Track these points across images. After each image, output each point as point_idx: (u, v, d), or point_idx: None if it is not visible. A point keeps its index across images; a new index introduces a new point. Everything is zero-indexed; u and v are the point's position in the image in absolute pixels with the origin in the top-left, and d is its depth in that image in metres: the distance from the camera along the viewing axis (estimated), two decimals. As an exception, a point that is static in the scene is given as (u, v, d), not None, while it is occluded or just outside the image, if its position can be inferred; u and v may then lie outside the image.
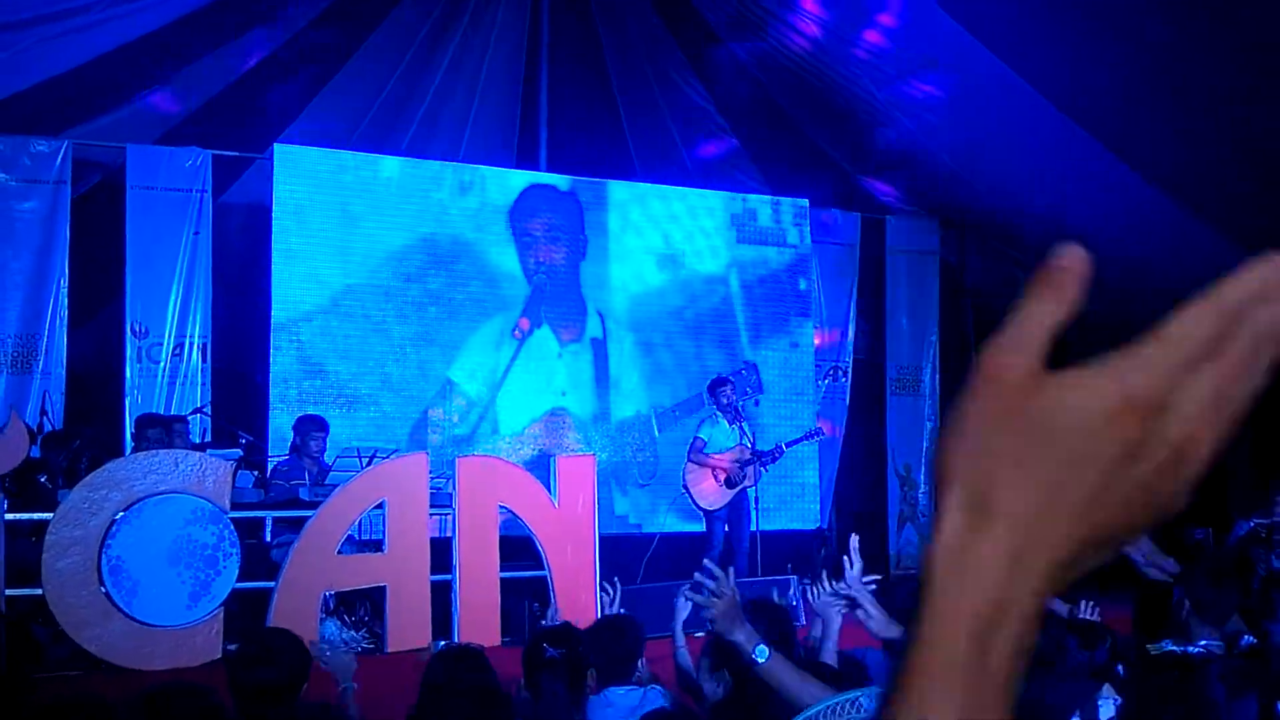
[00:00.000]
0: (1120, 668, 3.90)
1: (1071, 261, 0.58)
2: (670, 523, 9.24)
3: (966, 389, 0.57)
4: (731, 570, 3.03)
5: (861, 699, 2.16)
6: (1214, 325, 0.56)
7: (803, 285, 10.70)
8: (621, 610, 4.59)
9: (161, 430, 7.05)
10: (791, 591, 5.57)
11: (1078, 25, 7.64)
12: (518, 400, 9.53)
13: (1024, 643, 0.55)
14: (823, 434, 9.49)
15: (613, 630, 3.95)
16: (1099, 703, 3.38)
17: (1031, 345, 0.57)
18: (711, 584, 2.95)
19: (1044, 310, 0.57)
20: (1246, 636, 3.99)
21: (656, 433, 9.96)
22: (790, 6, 8.97)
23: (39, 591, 5.64)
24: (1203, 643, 3.88)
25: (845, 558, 3.32)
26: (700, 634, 6.85)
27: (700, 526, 8.69)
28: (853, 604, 3.44)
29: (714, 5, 9.72)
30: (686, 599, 3.01)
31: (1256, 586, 5.25)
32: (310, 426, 7.52)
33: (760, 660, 2.84)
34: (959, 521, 0.55)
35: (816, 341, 10.79)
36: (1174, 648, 3.96)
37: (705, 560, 3.15)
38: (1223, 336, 0.56)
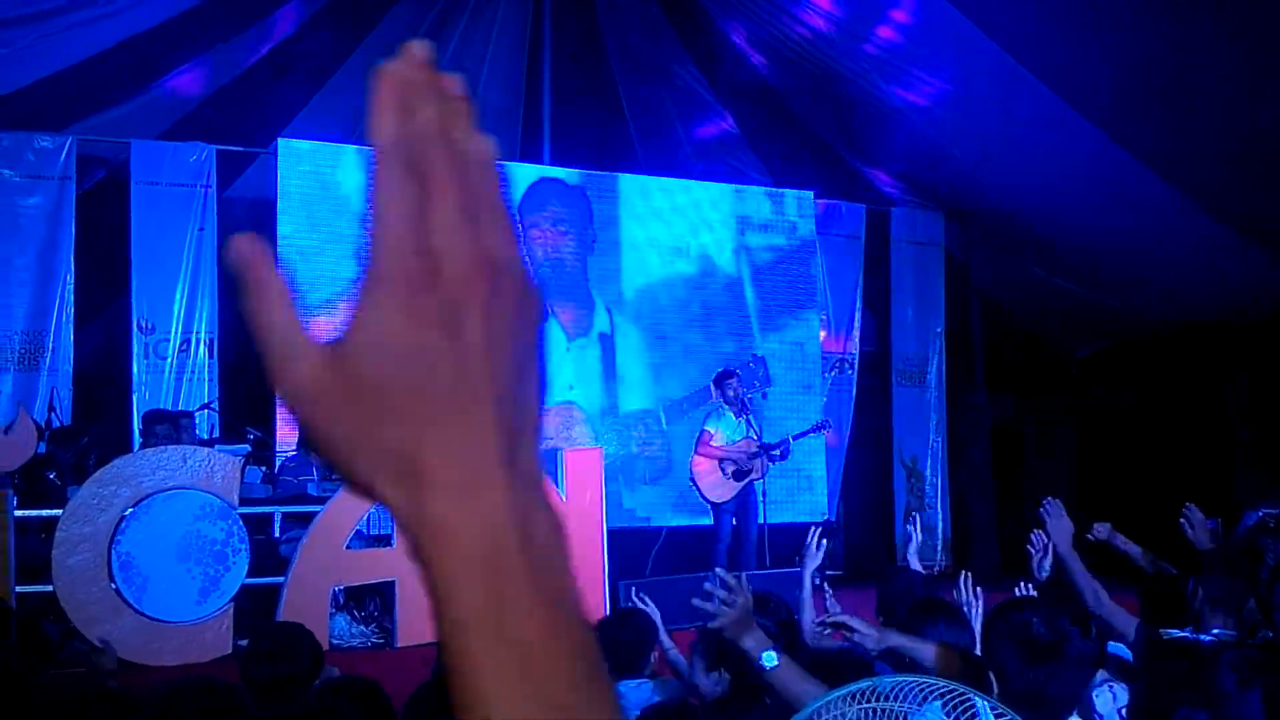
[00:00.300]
0: (1130, 655, 3.91)
1: (247, 253, 0.57)
2: (678, 516, 9.25)
3: (296, 416, 0.54)
4: (744, 576, 3.02)
5: (865, 691, 2.16)
6: (398, 166, 0.53)
7: (808, 277, 10.70)
8: (646, 603, 4.61)
9: (169, 426, 7.06)
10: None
11: (1085, 19, 7.62)
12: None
13: (529, 532, 0.53)
14: (830, 426, 9.49)
15: (625, 624, 3.96)
16: (1093, 694, 3.38)
17: (291, 342, 0.55)
18: (723, 593, 2.91)
19: (268, 306, 0.56)
20: (1263, 630, 3.99)
21: (664, 425, 9.97)
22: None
23: (49, 588, 5.66)
24: (1215, 631, 3.88)
25: (808, 546, 3.29)
26: (694, 627, 6.88)
27: (708, 519, 8.69)
28: (843, 628, 3.43)
29: (717, -3, 9.71)
30: (696, 606, 2.98)
31: (1265, 576, 5.24)
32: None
33: (769, 666, 2.83)
34: (399, 499, 0.52)
35: (822, 334, 10.78)
36: (1186, 635, 3.96)
37: (717, 569, 3.15)
38: (413, 175, 0.53)
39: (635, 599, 4.72)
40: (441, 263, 0.52)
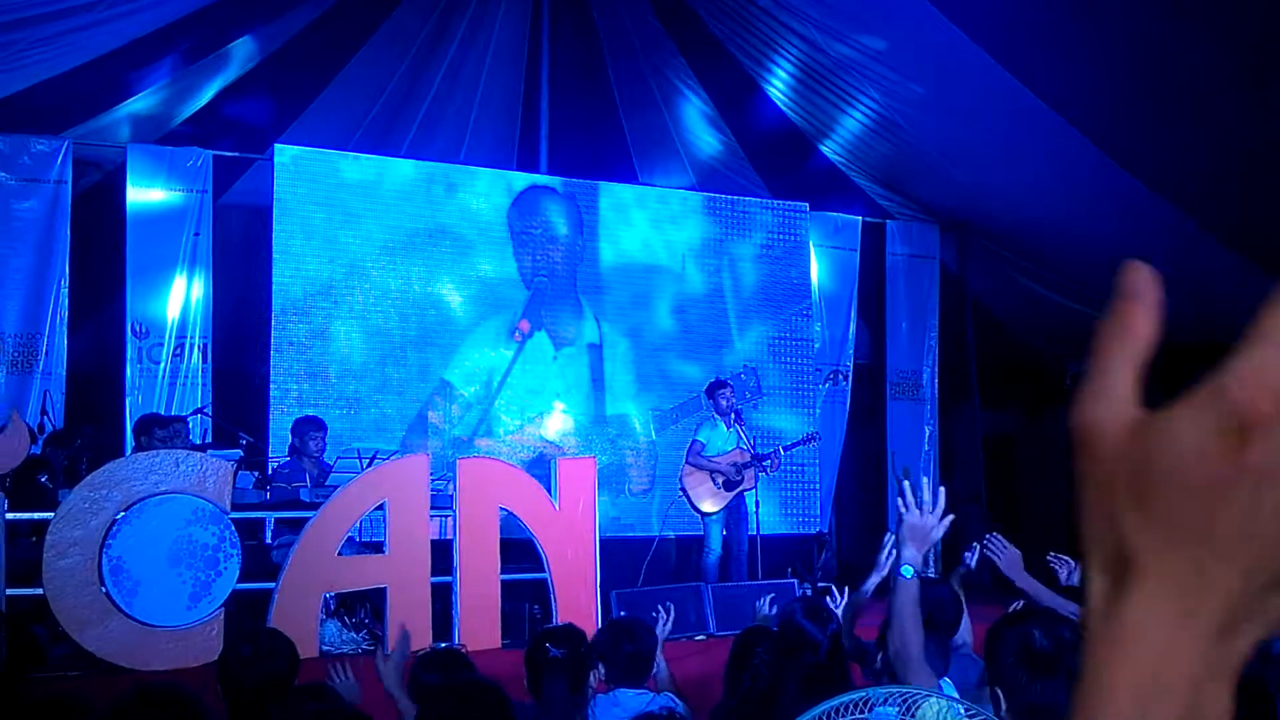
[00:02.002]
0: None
1: (1140, 284, 0.53)
2: (667, 526, 9.24)
3: (1074, 454, 0.52)
4: (942, 490, 3.11)
5: (868, 697, 2.16)
6: None
7: (803, 289, 10.71)
8: (661, 612, 4.64)
9: (164, 431, 7.05)
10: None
11: (1079, 30, 7.65)
12: (515, 402, 9.54)
13: (1199, 709, 0.49)
14: (819, 438, 9.48)
15: (628, 633, 3.95)
16: None
17: (1116, 390, 0.52)
18: (926, 498, 3.07)
19: (1121, 349, 0.52)
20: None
21: (654, 435, 9.96)
22: (789, 9, 8.97)
23: (39, 591, 5.63)
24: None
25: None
26: (701, 637, 6.88)
27: (698, 530, 8.69)
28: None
29: (713, 7, 9.73)
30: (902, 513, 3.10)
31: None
32: (308, 427, 7.52)
33: (904, 577, 3.04)
34: (1101, 587, 0.51)
35: (816, 345, 10.79)
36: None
37: (922, 475, 3.27)
38: None
39: (661, 608, 4.77)
40: None
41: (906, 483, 3.19)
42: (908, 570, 3.05)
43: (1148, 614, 0.49)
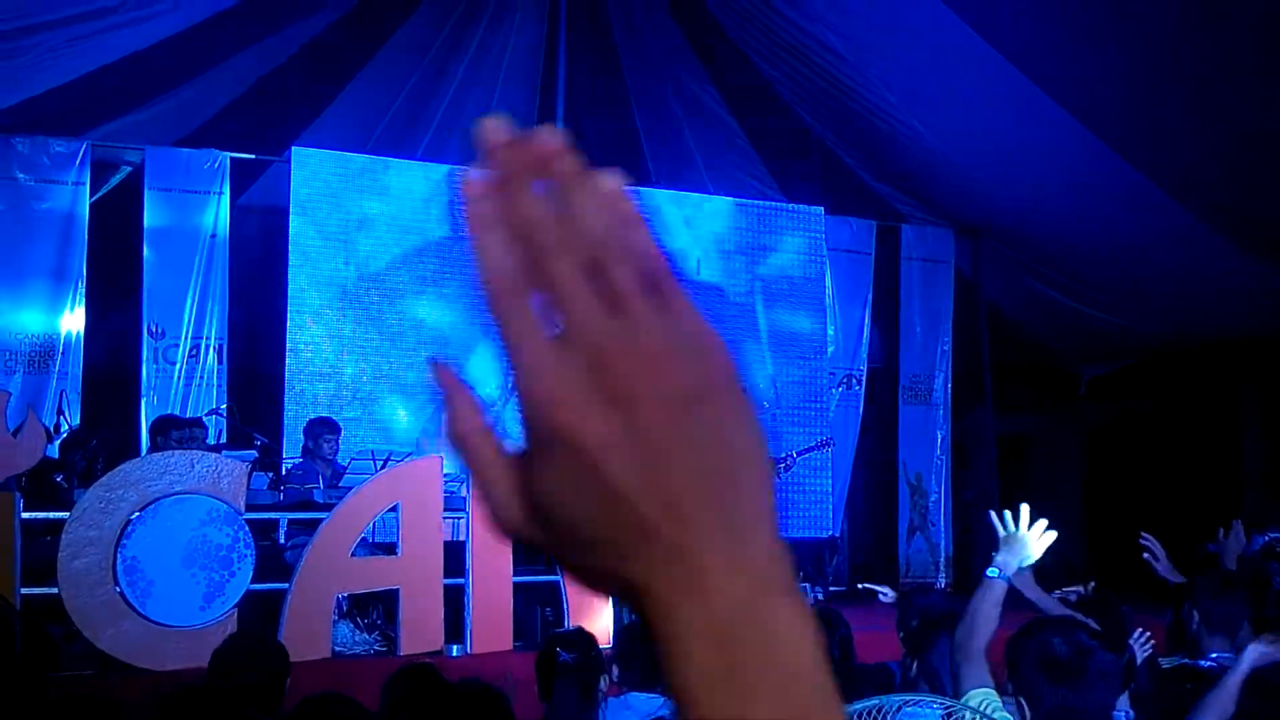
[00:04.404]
0: (1142, 681, 3.91)
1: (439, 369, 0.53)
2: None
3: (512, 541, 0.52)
4: (1023, 520, 3.34)
5: (883, 705, 2.17)
6: (517, 294, 0.48)
7: (817, 293, 10.70)
8: None
9: (180, 432, 7.08)
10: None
11: (1096, 33, 7.63)
12: (530, 405, 9.54)
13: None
14: (832, 443, 9.45)
15: (644, 638, 3.94)
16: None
17: (507, 500, 0.50)
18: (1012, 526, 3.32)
19: (487, 463, 0.51)
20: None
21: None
22: (805, 13, 8.97)
23: (54, 591, 5.67)
24: (1213, 655, 3.88)
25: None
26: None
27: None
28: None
29: (729, 11, 9.73)
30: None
31: (1271, 601, 5.22)
32: (321, 429, 7.54)
33: (989, 577, 3.22)
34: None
35: (830, 349, 10.78)
36: (1185, 661, 3.96)
37: (1021, 504, 3.41)
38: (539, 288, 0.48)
39: None
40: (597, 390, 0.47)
41: (993, 513, 3.43)
42: (994, 571, 3.23)
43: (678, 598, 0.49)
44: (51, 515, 6.03)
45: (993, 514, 3.41)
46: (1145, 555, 5.06)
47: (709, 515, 0.48)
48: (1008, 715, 2.64)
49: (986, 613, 3.13)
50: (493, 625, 6.44)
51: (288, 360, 8.73)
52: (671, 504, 0.47)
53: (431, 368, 0.54)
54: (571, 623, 5.99)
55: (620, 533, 0.48)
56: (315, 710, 3.33)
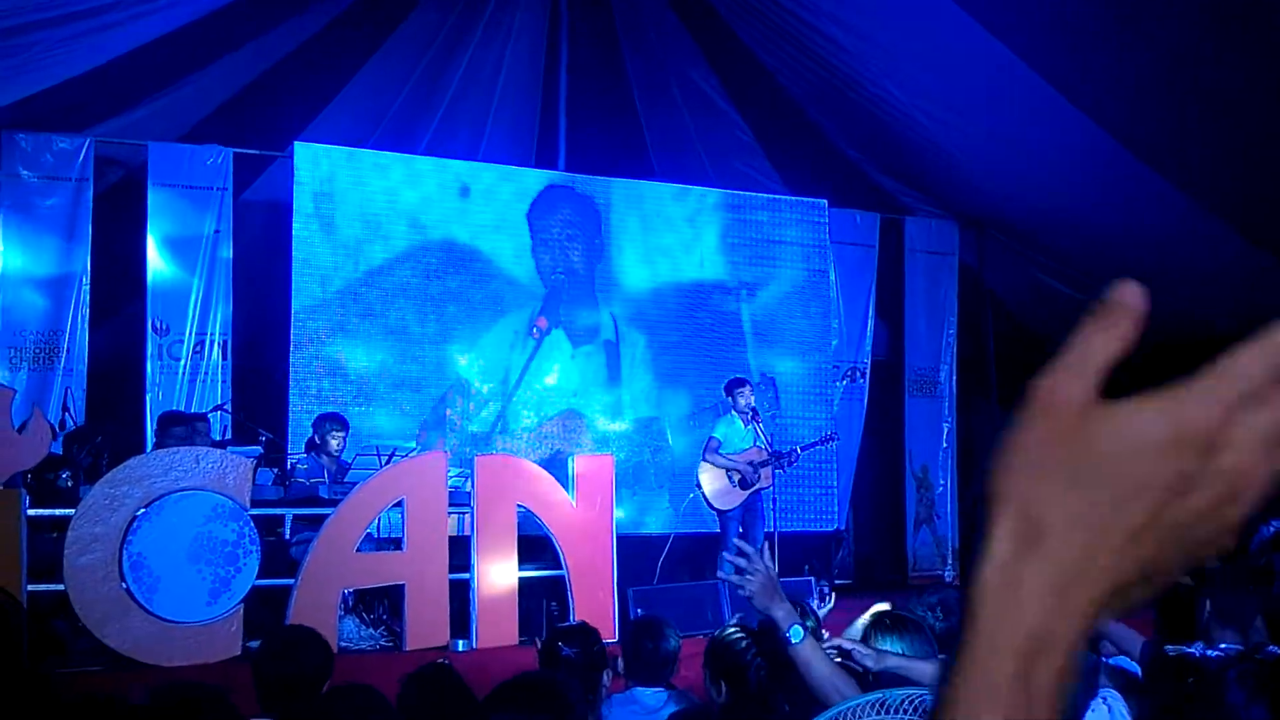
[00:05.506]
0: (1137, 670, 3.90)
1: (1130, 297, 0.58)
2: (684, 523, 9.23)
3: (1021, 413, 0.57)
4: (765, 547, 3.03)
5: (886, 699, 2.16)
6: (1270, 364, 0.55)
7: (821, 285, 10.68)
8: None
9: (185, 428, 7.09)
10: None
11: (1102, 26, 7.61)
12: (532, 400, 9.55)
13: (1067, 672, 0.55)
14: (837, 438, 9.43)
15: (649, 631, 3.92)
16: (1089, 707, 3.37)
17: (1087, 374, 0.57)
18: (742, 562, 2.94)
19: (1101, 341, 0.58)
20: (1271, 647, 3.97)
21: (670, 439, 9.95)
22: (809, 6, 8.95)
23: (60, 587, 5.67)
24: (1223, 646, 3.87)
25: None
26: (701, 635, 6.87)
27: (715, 527, 8.67)
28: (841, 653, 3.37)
29: (732, 2, 9.71)
30: (721, 580, 3.04)
31: (1278, 592, 5.21)
32: (329, 424, 7.55)
33: (794, 641, 2.85)
34: (1008, 548, 0.55)
35: (834, 342, 10.77)
36: (1194, 651, 3.94)
37: (734, 539, 3.20)
38: (1277, 378, 0.55)
39: (817, 589, 4.70)
40: (1238, 447, 0.56)
41: (726, 555, 3.25)
42: (796, 633, 2.98)
43: (1043, 580, 0.55)
44: (57, 512, 6.03)
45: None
46: None
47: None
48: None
49: (820, 673, 2.89)
50: (498, 620, 6.45)
51: (292, 355, 8.73)
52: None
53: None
54: (576, 617, 6.00)
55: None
56: (343, 698, 3.33)
